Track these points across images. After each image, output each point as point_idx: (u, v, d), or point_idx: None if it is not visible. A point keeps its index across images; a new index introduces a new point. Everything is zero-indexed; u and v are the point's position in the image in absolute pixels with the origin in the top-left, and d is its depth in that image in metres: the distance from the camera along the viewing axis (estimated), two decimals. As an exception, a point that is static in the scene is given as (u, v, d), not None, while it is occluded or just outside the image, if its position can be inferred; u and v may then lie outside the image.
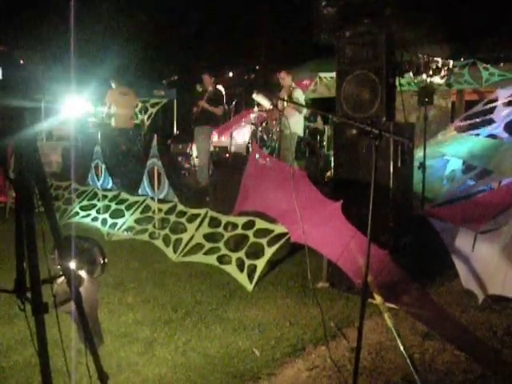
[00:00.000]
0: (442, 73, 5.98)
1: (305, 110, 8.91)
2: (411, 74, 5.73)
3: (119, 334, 3.93)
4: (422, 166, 6.25)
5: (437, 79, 6.00)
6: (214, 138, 10.99)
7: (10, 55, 1.94)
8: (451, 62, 6.31)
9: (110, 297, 4.64)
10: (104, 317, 4.11)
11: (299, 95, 8.91)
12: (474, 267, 4.40)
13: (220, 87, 10.05)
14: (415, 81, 6.36)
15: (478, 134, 8.16)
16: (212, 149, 9.93)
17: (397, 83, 4.69)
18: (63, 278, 2.05)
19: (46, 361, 1.76)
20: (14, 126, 1.90)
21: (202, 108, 9.24)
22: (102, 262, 2.22)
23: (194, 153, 10.23)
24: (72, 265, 2.05)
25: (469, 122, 8.63)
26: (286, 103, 8.00)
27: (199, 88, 9.55)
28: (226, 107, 10.69)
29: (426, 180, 6.50)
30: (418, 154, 6.55)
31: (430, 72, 5.83)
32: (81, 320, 2.13)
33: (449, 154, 7.84)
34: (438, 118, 11.87)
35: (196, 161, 9.86)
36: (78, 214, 7.45)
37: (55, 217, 2.06)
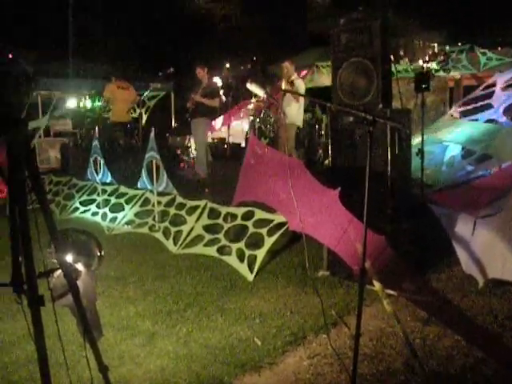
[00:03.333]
0: (439, 58, 5.95)
1: (303, 101, 8.89)
2: (407, 60, 5.71)
3: (121, 326, 3.95)
4: (421, 152, 6.24)
5: (433, 65, 5.97)
6: (213, 129, 10.96)
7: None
8: (448, 48, 6.27)
9: (110, 290, 4.65)
10: (105, 310, 4.12)
11: (301, 85, 8.89)
12: (474, 252, 4.40)
13: (216, 79, 10.01)
14: (412, 67, 6.33)
15: (476, 119, 8.16)
16: (210, 140, 9.92)
17: (393, 70, 4.67)
18: (60, 271, 2.05)
19: (44, 353, 1.77)
20: (5, 120, 1.89)
21: (197, 101, 9.18)
22: (98, 254, 2.22)
23: (193, 145, 10.21)
24: (68, 258, 2.05)
25: (467, 107, 8.63)
26: (284, 92, 7.98)
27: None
28: (224, 99, 10.66)
29: (425, 166, 6.50)
30: (417, 140, 6.55)
31: (427, 58, 5.80)
32: (79, 313, 2.13)
33: (448, 140, 7.84)
34: (436, 104, 11.83)
35: (194, 153, 9.83)
36: (77, 209, 7.46)
37: (50, 210, 2.05)
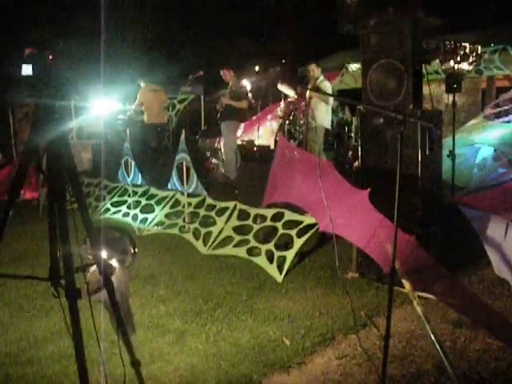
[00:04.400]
0: (471, 59, 5.88)
1: (332, 101, 8.87)
2: (438, 61, 5.66)
3: (151, 325, 4.01)
4: (452, 154, 6.17)
5: (465, 65, 5.90)
6: (241, 132, 11.01)
7: (39, 54, 1.99)
8: (479, 48, 6.18)
9: (141, 290, 4.72)
10: (136, 309, 4.18)
11: (327, 87, 8.88)
12: (506, 255, 4.34)
13: (245, 81, 10.04)
14: (443, 67, 6.26)
15: (509, 121, 8.02)
16: (239, 143, 9.95)
17: (424, 71, 4.64)
18: (95, 267, 2.10)
19: (81, 345, 1.82)
20: (46, 122, 1.96)
21: (226, 104, 9.24)
22: (132, 251, 2.27)
23: (222, 147, 10.27)
24: (103, 254, 2.11)
25: (499, 108, 8.49)
26: (312, 94, 7.97)
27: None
28: (253, 101, 10.69)
29: (456, 168, 6.42)
30: (448, 142, 6.48)
31: (458, 58, 5.73)
32: (113, 308, 2.18)
33: (480, 142, 7.73)
34: (468, 106, 11.67)
35: (224, 155, 9.88)
36: (108, 210, 7.57)
37: (86, 208, 2.11)
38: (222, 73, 9.54)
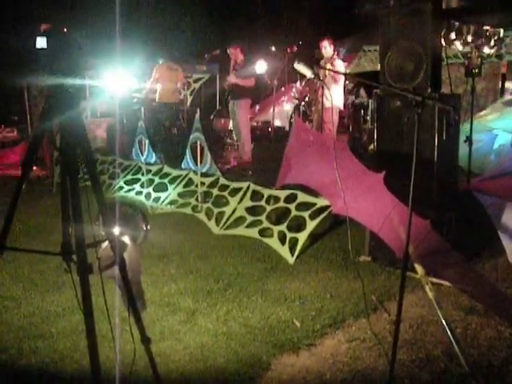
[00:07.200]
0: (492, 43, 5.76)
1: (342, 82, 8.74)
2: (458, 44, 5.55)
3: (162, 303, 4.03)
4: (469, 139, 6.08)
5: (486, 49, 5.78)
6: (254, 112, 10.93)
7: (54, 27, 1.97)
8: (502, 31, 6.05)
9: (153, 268, 4.74)
10: (147, 287, 4.20)
11: (340, 66, 8.74)
12: (521, 243, 4.29)
13: (261, 61, 9.87)
14: (462, 51, 6.14)
15: (528, 107, 7.89)
16: (254, 124, 9.88)
17: (443, 54, 4.56)
18: (107, 243, 2.10)
19: (91, 320, 1.82)
20: (60, 97, 1.94)
21: (232, 83, 9.11)
22: (144, 228, 2.27)
23: (234, 128, 10.16)
24: (115, 230, 2.10)
25: (519, 94, 8.36)
26: (326, 73, 7.86)
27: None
28: (269, 81, 10.59)
29: (473, 154, 6.33)
30: (465, 127, 6.39)
31: (479, 42, 5.62)
32: (124, 285, 2.19)
33: (498, 128, 7.62)
34: (487, 91, 11.49)
35: (236, 135, 9.77)
36: (122, 188, 7.59)
37: (100, 185, 2.11)
38: (229, 51, 9.37)
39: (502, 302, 3.35)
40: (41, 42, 1.82)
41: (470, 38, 5.48)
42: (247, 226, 5.56)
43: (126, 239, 2.24)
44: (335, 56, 8.81)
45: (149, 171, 7.47)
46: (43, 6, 12.31)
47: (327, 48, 8.65)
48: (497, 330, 3.50)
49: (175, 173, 7.22)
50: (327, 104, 7.49)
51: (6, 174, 8.51)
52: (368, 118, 10.67)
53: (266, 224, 5.41)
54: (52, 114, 1.97)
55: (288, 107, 12.32)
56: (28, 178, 2.09)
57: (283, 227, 5.19)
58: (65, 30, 1.82)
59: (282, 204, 5.52)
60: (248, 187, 6.01)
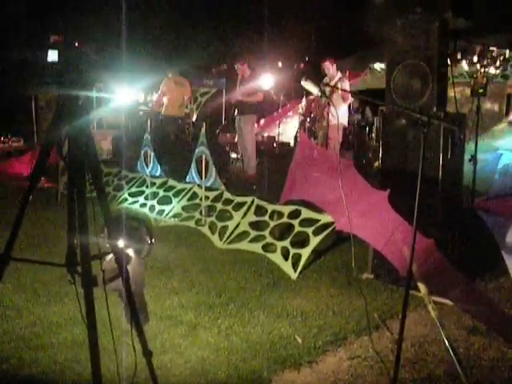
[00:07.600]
0: (498, 63, 5.79)
1: (349, 100, 8.78)
2: (464, 63, 5.59)
3: (164, 316, 4.02)
4: (473, 158, 6.10)
5: (491, 69, 5.82)
6: (260, 126, 10.98)
7: (66, 41, 2.00)
8: (508, 52, 6.08)
9: (156, 281, 4.73)
10: (150, 300, 4.18)
11: (345, 86, 8.78)
12: (525, 263, 4.28)
13: (268, 76, 9.92)
14: (468, 70, 6.18)
15: (533, 128, 7.91)
16: (260, 139, 9.91)
17: (449, 74, 4.59)
18: (112, 255, 2.11)
19: (94, 332, 1.83)
20: (69, 109, 1.96)
21: (237, 101, 9.10)
22: (149, 242, 2.27)
23: (239, 143, 10.20)
24: (120, 243, 2.11)
25: (524, 115, 8.38)
26: (332, 92, 7.91)
27: None
28: (275, 97, 10.64)
29: (477, 173, 6.34)
30: (470, 146, 6.40)
31: (485, 62, 5.65)
32: (127, 297, 2.19)
33: (502, 148, 7.63)
34: (492, 111, 11.51)
35: (242, 150, 9.82)
36: (126, 200, 7.61)
37: (106, 196, 2.12)
38: (236, 67, 9.36)
39: (504, 323, 3.33)
40: (52, 56, 1.85)
41: (475, 58, 5.51)
42: (250, 241, 5.56)
43: (131, 252, 2.25)
44: (341, 75, 8.82)
45: (153, 184, 7.49)
46: (53, 19, 12.44)
47: (330, 68, 8.67)
48: (499, 351, 3.48)
49: (180, 186, 7.24)
50: (333, 121, 7.52)
51: (12, 183, 8.54)
52: (373, 135, 10.69)
53: (269, 239, 5.41)
54: (61, 125, 1.99)
55: (294, 123, 12.37)
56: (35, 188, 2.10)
57: (286, 243, 5.19)
58: (76, 43, 1.85)
59: (285, 220, 5.52)
60: (252, 202, 6.02)
